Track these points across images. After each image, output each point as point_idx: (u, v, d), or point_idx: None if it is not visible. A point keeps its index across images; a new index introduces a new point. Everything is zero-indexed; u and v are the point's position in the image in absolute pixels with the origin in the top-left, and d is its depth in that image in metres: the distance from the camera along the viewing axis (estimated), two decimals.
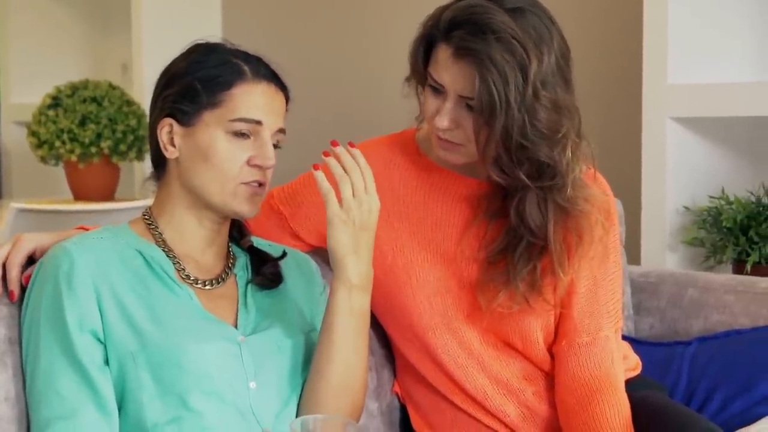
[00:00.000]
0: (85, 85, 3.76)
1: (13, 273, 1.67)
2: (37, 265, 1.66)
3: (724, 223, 2.54)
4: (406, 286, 1.88)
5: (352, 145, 1.72)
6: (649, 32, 2.62)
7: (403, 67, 1.86)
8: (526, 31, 1.73)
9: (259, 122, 1.68)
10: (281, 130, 1.71)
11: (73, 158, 3.68)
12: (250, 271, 1.77)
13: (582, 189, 1.82)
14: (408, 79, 1.86)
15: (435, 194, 1.91)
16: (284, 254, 1.80)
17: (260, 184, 1.69)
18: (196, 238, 1.72)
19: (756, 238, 2.52)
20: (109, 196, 3.83)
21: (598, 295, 1.88)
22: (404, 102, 1.90)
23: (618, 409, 1.83)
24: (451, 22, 1.75)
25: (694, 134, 2.65)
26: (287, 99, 1.74)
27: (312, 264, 1.88)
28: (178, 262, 1.70)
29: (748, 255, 2.52)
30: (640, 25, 2.64)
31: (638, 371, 2.03)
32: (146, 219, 1.73)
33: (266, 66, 1.72)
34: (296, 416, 1.71)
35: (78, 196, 3.82)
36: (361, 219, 1.68)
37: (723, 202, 2.58)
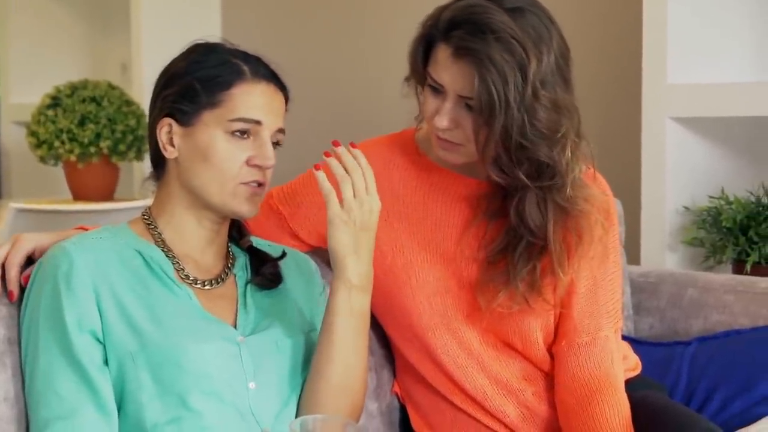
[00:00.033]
0: (84, 85, 3.75)
1: (12, 273, 1.67)
2: (36, 265, 1.65)
3: (723, 223, 2.54)
4: (405, 286, 1.88)
5: (353, 145, 1.72)
6: (648, 32, 2.61)
7: (403, 67, 1.85)
8: (525, 31, 1.73)
9: (258, 122, 1.67)
10: (281, 130, 1.71)
11: (73, 158, 3.67)
12: (249, 271, 1.77)
13: (581, 189, 1.82)
14: (407, 79, 1.86)
15: (434, 194, 1.91)
16: (284, 254, 1.80)
17: (260, 184, 1.69)
18: (195, 238, 1.72)
19: (756, 238, 2.52)
20: (109, 196, 3.82)
21: (598, 295, 1.88)
22: (404, 102, 1.90)
23: (618, 410, 1.83)
24: (451, 22, 1.75)
25: (693, 134, 2.65)
26: (287, 99, 1.74)
27: (311, 264, 1.88)
28: (178, 262, 1.70)
29: (748, 255, 2.52)
30: (639, 24, 2.64)
31: (638, 371, 2.03)
32: (145, 219, 1.73)
33: (265, 66, 1.72)
34: (296, 416, 1.71)
35: (77, 196, 3.82)
36: (362, 219, 1.68)
37: (723, 202, 2.58)
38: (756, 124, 2.71)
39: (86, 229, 1.76)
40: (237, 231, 1.80)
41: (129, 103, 3.76)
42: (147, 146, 1.76)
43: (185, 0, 4.13)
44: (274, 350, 1.70)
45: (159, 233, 1.71)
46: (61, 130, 3.66)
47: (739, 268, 2.54)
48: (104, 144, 3.65)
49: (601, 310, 1.88)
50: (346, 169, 1.69)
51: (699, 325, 2.32)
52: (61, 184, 3.98)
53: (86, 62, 4.77)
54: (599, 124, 2.98)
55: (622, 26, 3.02)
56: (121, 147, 3.69)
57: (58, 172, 3.93)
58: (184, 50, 1.73)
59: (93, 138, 3.65)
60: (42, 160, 3.77)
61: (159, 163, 1.73)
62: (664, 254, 2.63)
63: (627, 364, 1.99)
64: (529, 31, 1.73)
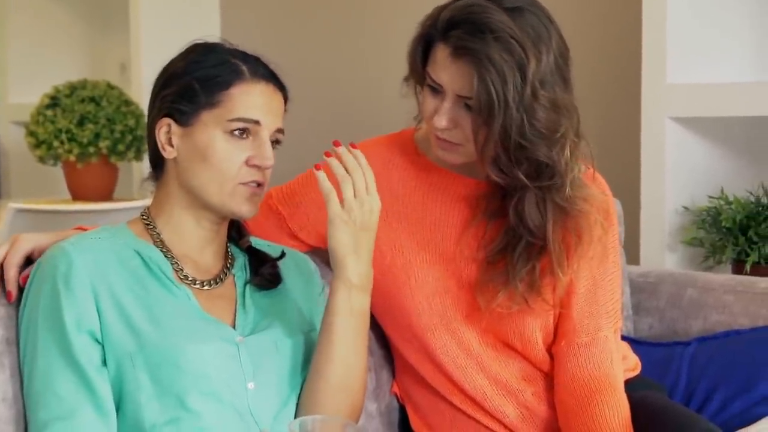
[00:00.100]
0: (83, 84, 3.75)
1: (11, 273, 1.67)
2: (35, 265, 1.65)
3: (723, 223, 2.54)
4: (404, 287, 1.88)
5: (353, 145, 1.72)
6: (648, 32, 2.61)
7: (402, 67, 1.85)
8: (524, 31, 1.73)
9: (257, 122, 1.67)
10: (280, 130, 1.71)
11: (72, 158, 3.67)
12: (248, 271, 1.77)
13: (581, 189, 1.82)
14: (406, 79, 1.86)
15: (434, 194, 1.91)
16: (283, 254, 1.80)
17: (259, 185, 1.68)
18: (194, 239, 1.72)
19: (755, 238, 2.52)
20: (108, 196, 3.82)
21: (597, 296, 1.88)
22: (403, 102, 1.89)
23: (617, 410, 1.83)
24: (450, 22, 1.74)
25: (693, 134, 2.65)
26: (286, 99, 1.74)
27: (311, 264, 1.88)
28: (176, 263, 1.69)
29: (748, 255, 2.52)
30: (639, 24, 2.64)
31: (637, 371, 2.03)
32: (144, 219, 1.73)
33: (265, 66, 1.72)
34: (295, 416, 1.71)
35: (76, 196, 3.82)
36: (362, 219, 1.68)
37: (722, 202, 2.58)
38: (756, 124, 2.71)
39: (85, 230, 1.76)
40: (236, 231, 1.80)
41: (128, 103, 3.76)
42: (146, 146, 1.76)
43: (184, 0, 4.12)
44: (273, 350, 1.70)
45: (158, 233, 1.71)
46: (60, 130, 3.66)
47: (738, 268, 2.54)
48: (103, 144, 3.65)
49: (601, 310, 1.88)
50: (346, 169, 1.69)
51: (698, 326, 2.32)
52: (60, 184, 3.98)
53: (85, 62, 4.77)
54: (599, 124, 2.98)
55: (621, 26, 3.02)
56: (120, 147, 3.69)
57: (57, 172, 3.92)
58: (183, 50, 1.73)
59: (92, 138, 3.65)
60: (41, 160, 3.76)
61: (158, 163, 1.72)
62: (663, 254, 2.63)
63: (626, 364, 1.99)
64: (528, 31, 1.73)
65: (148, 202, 1.77)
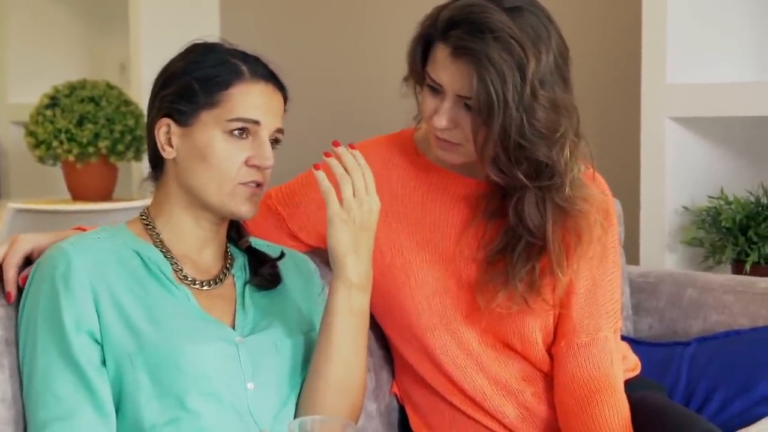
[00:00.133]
0: (82, 84, 3.75)
1: (10, 274, 1.67)
2: (34, 265, 1.65)
3: (723, 223, 2.54)
4: (404, 287, 1.88)
5: (352, 146, 1.72)
6: (647, 31, 2.61)
7: (402, 67, 1.85)
8: (524, 31, 1.72)
9: (257, 122, 1.67)
10: (279, 130, 1.71)
11: (71, 158, 3.67)
12: (248, 271, 1.77)
13: (580, 189, 1.82)
14: (406, 79, 1.86)
15: (433, 194, 1.91)
16: (282, 255, 1.79)
17: (258, 185, 1.68)
18: (193, 239, 1.72)
19: (755, 238, 2.52)
20: (107, 196, 3.82)
21: (597, 296, 1.88)
22: (402, 102, 1.89)
23: (617, 410, 1.83)
24: (449, 22, 1.74)
25: (693, 134, 2.65)
26: (285, 99, 1.74)
27: (310, 264, 1.87)
28: (176, 263, 1.69)
29: (747, 255, 2.52)
30: (638, 24, 2.64)
31: (637, 372, 2.03)
32: (144, 219, 1.73)
33: (264, 66, 1.72)
34: (294, 416, 1.71)
35: (76, 196, 3.82)
36: (361, 219, 1.68)
37: (722, 202, 2.58)
38: (755, 124, 2.71)
39: (84, 230, 1.75)
40: (236, 231, 1.80)
41: (127, 103, 3.76)
42: (145, 146, 1.76)
43: (184, 0, 4.12)
44: (273, 351, 1.70)
45: (157, 234, 1.71)
46: (60, 130, 3.65)
47: (738, 268, 2.54)
48: (103, 144, 3.65)
49: (601, 310, 1.88)
50: (345, 169, 1.69)
51: (698, 326, 2.32)
52: (59, 184, 3.98)
53: (85, 62, 4.77)
54: (598, 124, 2.98)
55: (621, 26, 3.02)
56: (120, 147, 3.69)
57: (57, 172, 3.92)
58: (183, 50, 1.73)
59: (91, 138, 3.65)
60: (40, 160, 3.76)
61: (157, 163, 1.72)
62: (663, 254, 2.63)
63: (626, 364, 1.99)
64: (527, 31, 1.73)
65: (147, 202, 1.77)
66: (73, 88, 3.73)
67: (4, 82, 4.69)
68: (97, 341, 1.60)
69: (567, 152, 1.78)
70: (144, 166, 3.65)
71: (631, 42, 2.76)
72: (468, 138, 1.78)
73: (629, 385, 1.92)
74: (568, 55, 1.80)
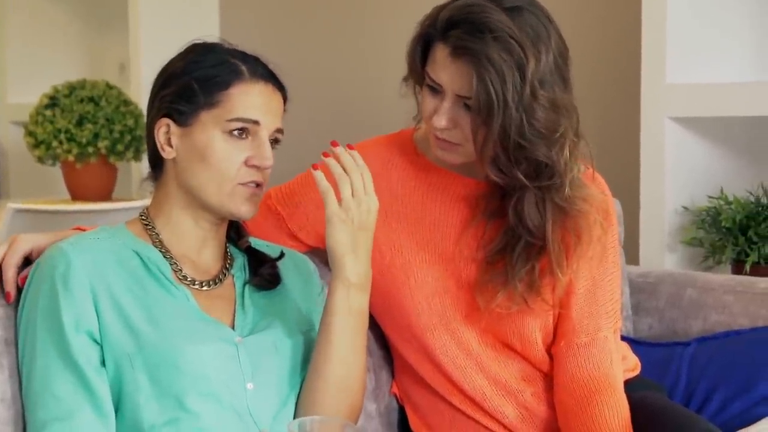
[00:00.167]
0: (82, 84, 3.75)
1: (10, 274, 1.67)
2: (34, 265, 1.65)
3: (723, 223, 2.54)
4: (404, 287, 1.88)
5: (350, 147, 1.72)
6: (647, 31, 2.61)
7: (401, 67, 1.85)
8: (523, 30, 1.72)
9: (256, 122, 1.67)
10: (279, 130, 1.71)
11: (71, 158, 3.67)
12: (247, 271, 1.76)
13: (580, 189, 1.82)
14: (406, 79, 1.86)
15: (433, 194, 1.91)
16: (282, 255, 1.79)
17: (258, 185, 1.68)
18: (192, 239, 1.71)
19: (755, 238, 2.52)
20: (107, 197, 3.82)
21: (597, 296, 1.88)
22: (402, 102, 1.89)
23: (617, 410, 1.83)
24: (449, 22, 1.74)
25: (692, 134, 2.65)
26: (285, 99, 1.74)
27: (310, 264, 1.87)
28: (175, 263, 1.69)
29: (747, 255, 2.52)
30: (638, 24, 2.64)
31: (637, 372, 2.03)
32: (143, 219, 1.73)
33: (264, 66, 1.72)
34: (294, 416, 1.71)
35: (75, 196, 3.82)
36: (360, 219, 1.68)
37: (722, 202, 2.58)
38: (755, 124, 2.71)
39: (84, 230, 1.75)
40: (235, 232, 1.80)
41: (127, 103, 3.76)
42: (145, 146, 1.76)
43: (184, 0, 4.12)
44: (273, 351, 1.70)
45: (157, 234, 1.71)
46: (59, 130, 3.65)
47: (738, 268, 2.54)
48: (102, 144, 3.65)
49: (600, 310, 1.88)
50: (344, 169, 1.68)
51: (698, 326, 2.32)
52: (59, 184, 3.97)
53: (84, 62, 4.77)
54: (598, 124, 2.98)
55: (621, 26, 3.02)
56: (119, 147, 3.69)
57: (56, 172, 3.92)
58: (182, 50, 1.73)
59: (91, 138, 3.65)
60: (40, 160, 3.76)
61: (157, 163, 1.72)
62: (663, 254, 2.63)
63: (626, 364, 1.99)
64: (527, 31, 1.73)
65: (147, 202, 1.77)
66: (72, 88, 3.73)
67: (3, 82, 4.69)
68: (96, 341, 1.60)
69: (567, 152, 1.78)
70: (143, 166, 3.64)
71: (631, 42, 2.76)
72: (467, 138, 1.78)
73: (629, 385, 1.92)
74: (567, 55, 1.80)
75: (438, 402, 1.93)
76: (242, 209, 1.68)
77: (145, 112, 1.76)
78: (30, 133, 3.73)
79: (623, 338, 2.10)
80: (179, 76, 1.69)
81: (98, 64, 4.74)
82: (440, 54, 1.76)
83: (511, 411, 1.89)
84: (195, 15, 4.12)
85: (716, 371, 2.14)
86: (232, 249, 1.79)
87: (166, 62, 1.73)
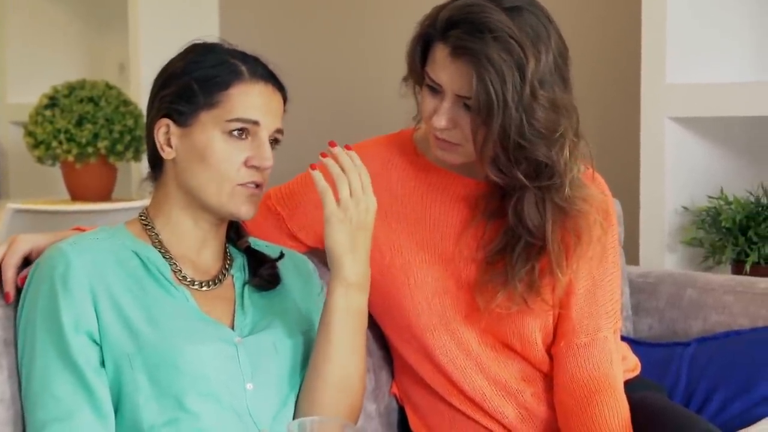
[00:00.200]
0: (81, 84, 3.75)
1: (9, 274, 1.67)
2: (33, 266, 1.65)
3: (723, 224, 2.54)
4: (404, 287, 1.88)
5: (348, 147, 1.72)
6: (647, 31, 2.61)
7: (401, 67, 1.85)
8: (523, 30, 1.72)
9: (256, 122, 1.67)
10: (279, 131, 1.71)
11: (70, 158, 3.67)
12: (247, 272, 1.76)
13: (580, 189, 1.82)
14: (405, 79, 1.86)
15: (433, 194, 1.91)
16: (282, 255, 1.79)
17: (257, 185, 1.68)
18: (192, 239, 1.71)
19: (755, 239, 2.51)
20: (106, 197, 3.82)
21: (597, 296, 1.88)
22: (402, 102, 1.89)
23: (617, 411, 1.83)
24: (448, 22, 1.74)
25: (692, 134, 2.65)
26: (285, 99, 1.74)
27: (309, 264, 1.87)
28: (175, 264, 1.69)
29: (747, 255, 2.51)
30: (638, 24, 2.64)
31: (637, 372, 2.03)
32: (143, 220, 1.73)
33: (264, 66, 1.71)
34: (294, 416, 1.71)
35: (75, 197, 3.82)
36: (358, 218, 1.68)
37: (722, 202, 2.58)
38: (756, 124, 2.71)
39: (83, 230, 1.75)
40: (235, 232, 1.79)
41: (127, 103, 3.76)
42: (145, 146, 1.75)
43: (183, 0, 4.12)
44: (272, 351, 1.70)
45: (156, 234, 1.71)
46: (59, 131, 3.65)
47: (738, 268, 2.53)
48: (102, 144, 3.65)
49: (600, 310, 1.88)
50: (342, 169, 1.68)
51: (698, 326, 2.32)
52: (58, 184, 3.97)
53: (84, 62, 4.77)
54: (598, 124, 2.98)
55: (621, 26, 3.02)
56: (119, 147, 3.69)
57: (56, 172, 3.92)
58: (182, 50, 1.73)
59: (90, 138, 3.65)
60: (39, 160, 3.76)
61: (157, 163, 1.72)
62: (663, 254, 2.62)
63: (626, 365, 1.99)
64: (527, 31, 1.73)
65: (146, 202, 1.77)
66: (72, 89, 3.73)
67: (3, 82, 4.69)
68: (95, 342, 1.60)
69: (566, 152, 1.78)
70: (143, 166, 3.64)
71: (631, 42, 2.76)
72: (467, 138, 1.77)
73: (629, 385, 1.92)
74: (567, 55, 1.80)
75: (438, 402, 1.93)
76: (242, 210, 1.68)
77: (144, 112, 1.76)
78: (30, 134, 3.73)
79: (623, 338, 2.10)
80: (179, 77, 1.68)
81: (98, 64, 4.74)
82: (440, 54, 1.75)
83: (511, 411, 1.88)
84: (195, 15, 4.12)
85: (716, 371, 2.14)
86: (231, 249, 1.79)
87: (165, 62, 1.72)
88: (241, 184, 1.66)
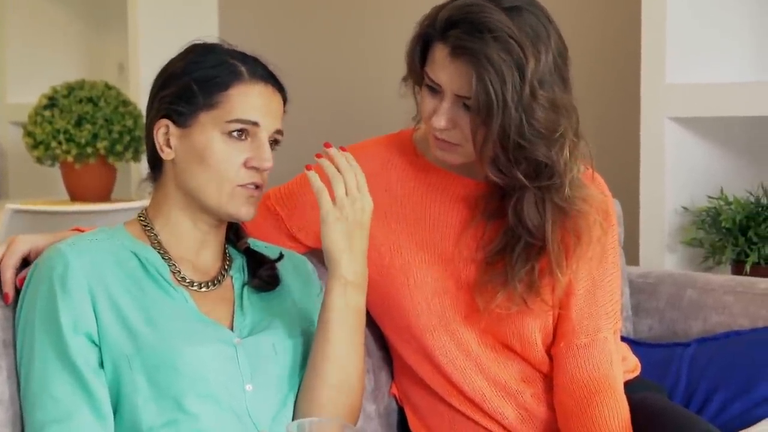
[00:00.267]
0: (81, 85, 3.75)
1: (8, 275, 1.66)
2: (32, 267, 1.65)
3: (723, 224, 2.53)
4: (403, 287, 1.88)
5: (343, 149, 1.72)
6: (647, 31, 2.61)
7: (401, 67, 1.85)
8: (523, 30, 1.72)
9: (256, 123, 1.67)
10: (279, 132, 1.70)
11: (70, 159, 3.66)
12: (246, 272, 1.76)
13: (580, 189, 1.82)
14: (405, 79, 1.85)
15: (432, 195, 1.91)
16: (281, 256, 1.79)
17: (257, 187, 1.68)
18: (191, 240, 1.71)
19: (755, 239, 2.51)
20: (106, 197, 3.81)
21: (597, 296, 1.87)
22: (401, 102, 1.89)
23: (617, 411, 1.82)
24: (448, 21, 1.74)
25: (692, 134, 2.64)
26: (285, 100, 1.73)
27: (309, 265, 1.87)
28: (174, 264, 1.69)
29: (747, 255, 2.51)
30: (638, 24, 2.64)
31: (637, 373, 2.02)
32: (142, 220, 1.72)
33: (263, 66, 1.71)
34: (293, 416, 1.71)
35: (74, 197, 3.81)
36: (354, 217, 1.68)
37: (722, 203, 2.58)
38: (755, 124, 2.71)
39: (82, 231, 1.75)
40: (234, 233, 1.79)
41: (126, 103, 3.76)
42: (144, 147, 1.75)
43: (183, 0, 4.12)
44: (272, 352, 1.70)
45: (155, 235, 1.70)
46: (58, 131, 3.65)
47: (738, 268, 2.53)
48: (101, 144, 3.65)
49: (600, 311, 1.88)
50: (338, 169, 1.68)
51: (698, 326, 2.31)
52: (58, 184, 3.97)
53: (83, 62, 4.77)
54: (598, 124, 2.98)
55: (620, 26, 3.02)
56: (118, 148, 3.68)
57: (55, 172, 3.92)
58: (182, 51, 1.72)
59: (90, 138, 3.64)
60: (39, 160, 3.76)
61: (156, 164, 1.72)
62: (663, 255, 2.62)
63: (626, 365, 1.99)
64: (527, 31, 1.72)
65: (146, 203, 1.76)
66: (71, 89, 3.72)
67: (2, 82, 4.69)
68: (94, 343, 1.60)
69: (566, 152, 1.77)
70: (143, 166, 3.65)
71: (631, 42, 2.76)
72: (467, 138, 1.77)
73: (629, 386, 1.91)
74: (567, 54, 1.80)
75: (437, 403, 1.92)
76: (242, 210, 1.67)
77: (144, 112, 1.76)
78: (29, 134, 3.73)
79: (623, 339, 2.10)
80: (179, 77, 1.68)
81: (97, 64, 4.74)
82: (439, 54, 1.75)
83: (511, 412, 1.88)
84: (194, 15, 4.11)
85: (716, 372, 2.13)
86: (230, 250, 1.79)
87: (165, 63, 1.72)
88: (241, 185, 1.66)
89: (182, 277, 1.69)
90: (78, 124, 3.65)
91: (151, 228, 1.71)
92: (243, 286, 1.74)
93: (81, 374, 1.57)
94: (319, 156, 1.70)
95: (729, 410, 2.07)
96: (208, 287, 1.71)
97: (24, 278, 1.65)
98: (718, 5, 2.67)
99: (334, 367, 1.70)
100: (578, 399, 1.84)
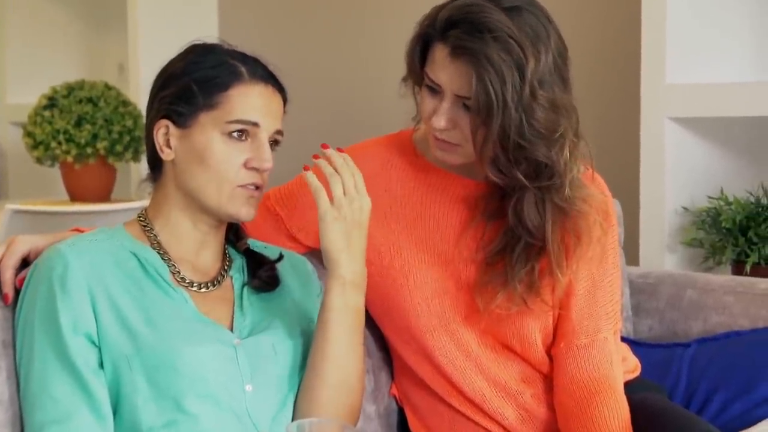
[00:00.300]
0: (81, 85, 3.75)
1: (7, 275, 1.66)
2: (31, 267, 1.65)
3: (723, 224, 2.53)
4: (403, 288, 1.87)
5: (340, 150, 1.72)
6: (647, 31, 2.61)
7: (401, 67, 1.85)
8: (523, 30, 1.72)
9: (256, 124, 1.66)
10: (279, 132, 1.70)
11: (69, 159, 3.66)
12: (246, 273, 1.76)
13: (580, 189, 1.82)
14: (405, 79, 1.85)
15: (432, 195, 1.91)
16: (281, 257, 1.79)
17: (257, 187, 1.68)
18: (191, 241, 1.71)
19: (755, 239, 2.51)
20: (106, 197, 3.81)
21: (597, 297, 1.87)
22: (401, 102, 1.89)
23: (617, 412, 1.82)
24: (448, 22, 1.74)
25: (692, 134, 2.64)
26: (285, 100, 1.73)
27: (308, 265, 1.87)
28: (173, 265, 1.69)
29: (748, 256, 2.51)
30: (638, 24, 2.64)
31: (637, 373, 2.02)
32: (141, 221, 1.72)
33: (263, 67, 1.71)
34: (292, 416, 1.71)
35: (74, 197, 3.81)
36: (352, 216, 1.68)
37: (722, 203, 2.58)
38: (755, 124, 2.71)
39: (82, 231, 1.75)
40: (234, 233, 1.79)
41: (126, 103, 3.76)
42: (144, 147, 1.75)
43: (182, 0, 4.12)
44: (271, 352, 1.69)
45: (155, 235, 1.70)
46: (58, 131, 3.65)
47: (738, 269, 2.53)
48: (101, 145, 3.65)
49: (600, 311, 1.87)
50: (335, 169, 1.68)
51: (698, 327, 2.31)
52: (57, 185, 3.97)
53: (83, 62, 4.77)
54: (598, 124, 2.98)
55: (620, 25, 3.02)
56: (118, 148, 3.68)
57: (55, 173, 3.92)
58: (182, 51, 1.72)
59: (90, 139, 3.64)
60: (38, 161, 3.76)
61: (156, 164, 1.72)
62: (663, 255, 2.62)
63: (626, 365, 1.99)
64: (526, 31, 1.72)
65: (145, 203, 1.76)
66: (71, 89, 3.72)
67: (2, 83, 4.69)
68: (94, 343, 1.59)
69: (566, 152, 1.77)
70: (142, 167, 3.64)
71: (631, 42, 2.76)
72: (467, 138, 1.77)
73: (629, 386, 1.91)
74: (567, 55, 1.79)
75: (437, 403, 1.92)
76: (242, 211, 1.67)
77: (144, 112, 1.76)
78: (29, 134, 3.73)
79: (623, 339, 2.10)
80: (178, 77, 1.68)
81: (97, 64, 4.74)
82: (439, 54, 1.75)
83: (511, 412, 1.88)
84: (194, 15, 4.11)
85: (717, 372, 2.13)
86: (230, 250, 1.78)
87: (165, 63, 1.72)
88: (241, 186, 1.66)
89: (182, 278, 1.68)
90: (78, 124, 3.65)
91: (151, 228, 1.71)
92: (243, 286, 1.74)
93: (80, 375, 1.57)
94: (316, 157, 1.70)
95: (729, 411, 2.07)
96: (207, 288, 1.71)
97: (23, 279, 1.65)
98: (718, 5, 2.66)
99: (334, 366, 1.70)
100: (578, 399, 1.84)
